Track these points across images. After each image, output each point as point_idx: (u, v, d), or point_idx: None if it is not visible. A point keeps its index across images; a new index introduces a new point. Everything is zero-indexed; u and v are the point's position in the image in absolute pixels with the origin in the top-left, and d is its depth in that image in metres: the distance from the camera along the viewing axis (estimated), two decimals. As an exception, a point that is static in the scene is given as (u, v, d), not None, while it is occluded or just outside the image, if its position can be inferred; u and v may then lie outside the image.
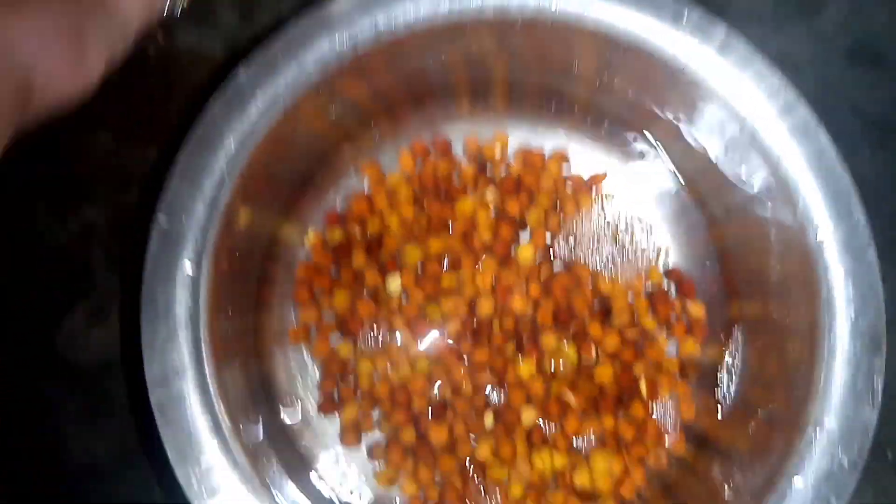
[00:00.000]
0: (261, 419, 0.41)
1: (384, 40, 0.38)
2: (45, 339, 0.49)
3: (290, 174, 0.45)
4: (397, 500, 0.45)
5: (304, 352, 0.47)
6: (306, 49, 0.38)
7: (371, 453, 0.45)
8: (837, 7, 0.52)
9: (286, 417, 0.45)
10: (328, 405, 0.46)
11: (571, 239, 0.47)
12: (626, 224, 0.48)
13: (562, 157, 0.48)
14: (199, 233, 0.36)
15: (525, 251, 0.47)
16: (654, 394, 0.45)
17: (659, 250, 0.48)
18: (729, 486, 0.39)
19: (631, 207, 0.48)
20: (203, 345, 0.35)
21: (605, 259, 0.47)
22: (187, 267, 0.36)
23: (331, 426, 0.46)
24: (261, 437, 0.40)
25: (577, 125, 0.49)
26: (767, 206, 0.40)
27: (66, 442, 0.48)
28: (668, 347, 0.47)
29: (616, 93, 0.44)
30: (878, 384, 0.36)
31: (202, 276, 0.36)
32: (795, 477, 0.35)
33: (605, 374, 0.45)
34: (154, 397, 0.35)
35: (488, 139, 0.49)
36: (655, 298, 0.47)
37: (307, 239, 0.47)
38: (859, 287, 0.37)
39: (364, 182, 0.48)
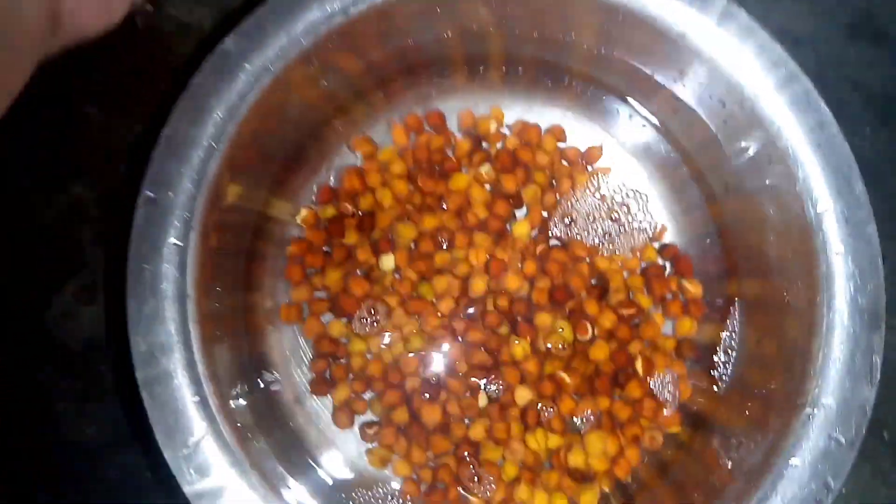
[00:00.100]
0: (252, 400, 0.41)
1: (375, 9, 0.37)
2: (35, 318, 0.48)
3: (282, 148, 0.44)
4: (391, 481, 0.45)
5: (296, 331, 0.46)
6: (296, 17, 0.37)
7: (363, 434, 0.45)
8: (838, -19, 0.51)
9: (277, 398, 0.44)
10: (320, 385, 0.45)
11: (567, 216, 0.47)
12: (623, 200, 0.47)
13: (559, 132, 0.48)
14: (186, 207, 0.35)
15: (520, 228, 0.46)
16: (650, 373, 0.45)
17: (656, 227, 0.47)
18: (725, 465, 0.39)
19: (628, 183, 0.47)
20: (191, 322, 0.35)
21: (601, 236, 0.47)
22: (174, 241, 0.35)
23: (323, 407, 0.46)
24: (251, 417, 0.39)
25: (575, 99, 0.48)
26: (766, 180, 0.39)
27: (58, 422, 0.47)
28: (665, 326, 0.46)
29: (614, 65, 0.43)
30: (877, 362, 0.35)
31: (189, 252, 0.35)
32: (793, 457, 0.35)
33: (600, 352, 0.44)
34: (140, 375, 0.34)
35: (484, 113, 0.48)
36: (651, 276, 0.46)
37: (299, 215, 0.46)
38: (859, 263, 0.36)
39: (357, 157, 0.48)
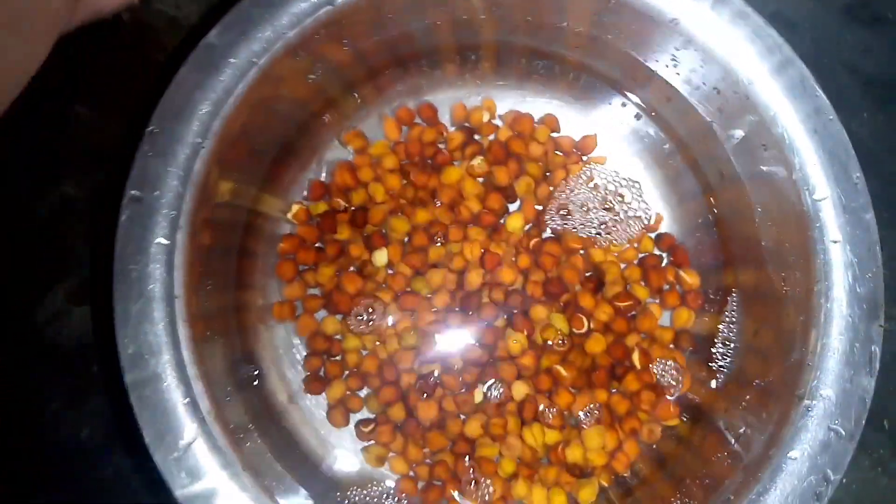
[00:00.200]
0: (245, 399, 0.40)
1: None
2: (27, 319, 0.48)
3: (271, 144, 0.44)
4: (387, 479, 0.44)
5: (289, 329, 0.46)
6: (281, 9, 0.36)
7: (359, 432, 0.44)
8: (834, -37, 0.50)
9: (271, 397, 0.44)
10: (314, 384, 0.45)
11: (562, 207, 0.46)
12: (618, 190, 0.46)
13: (552, 122, 0.47)
14: (172, 204, 0.35)
15: (514, 221, 0.46)
16: (647, 366, 0.44)
17: (651, 216, 0.46)
18: (731, 448, 0.39)
19: (623, 173, 0.47)
20: (180, 322, 0.34)
21: (596, 227, 0.46)
22: (160, 241, 0.34)
23: (318, 405, 0.45)
24: (245, 417, 0.39)
25: (567, 88, 0.47)
26: (762, 168, 0.39)
27: (51, 423, 0.47)
28: (662, 318, 0.46)
29: (607, 53, 0.43)
30: (877, 352, 0.35)
31: (177, 251, 0.35)
32: (792, 449, 0.34)
33: (596, 345, 0.44)
34: (129, 377, 0.33)
35: (476, 105, 0.47)
36: (648, 267, 0.46)
37: (290, 212, 0.46)
38: (857, 251, 0.36)
39: (348, 152, 0.47)
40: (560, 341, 0.44)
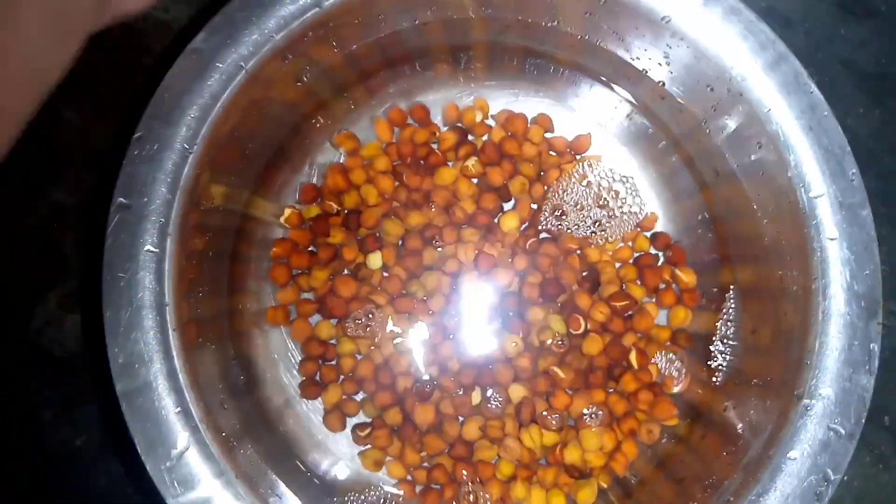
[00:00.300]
0: (239, 406, 0.40)
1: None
2: (20, 327, 0.47)
3: (262, 147, 0.43)
4: (385, 484, 0.44)
5: (284, 333, 0.45)
6: (267, 12, 0.36)
7: (356, 436, 0.44)
8: (828, -43, 0.50)
9: (266, 403, 0.43)
10: (310, 389, 0.44)
11: (557, 208, 0.46)
12: (613, 189, 0.46)
13: (545, 122, 0.47)
14: (160, 211, 0.34)
15: (509, 221, 0.45)
16: (645, 365, 0.44)
17: (647, 216, 0.46)
18: (723, 457, 0.38)
19: (617, 172, 0.46)
20: (171, 329, 0.34)
21: (592, 227, 0.46)
22: (149, 248, 0.34)
23: (314, 410, 0.45)
24: (239, 424, 0.39)
25: (561, 88, 0.47)
26: (758, 164, 0.38)
27: (44, 431, 0.47)
28: (659, 317, 0.45)
29: (599, 51, 0.42)
30: (875, 350, 0.34)
31: (166, 258, 0.34)
32: (791, 449, 0.34)
33: (594, 346, 0.44)
34: (119, 386, 0.33)
35: (468, 106, 0.47)
36: (644, 266, 0.45)
37: (282, 216, 0.45)
38: (854, 248, 0.36)
39: (340, 154, 0.46)
40: (560, 342, 0.44)
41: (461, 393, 0.44)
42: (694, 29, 0.37)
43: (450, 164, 0.46)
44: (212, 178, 0.38)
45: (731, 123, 0.39)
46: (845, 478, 0.35)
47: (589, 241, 0.46)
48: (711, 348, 0.43)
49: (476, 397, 0.44)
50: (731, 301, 0.43)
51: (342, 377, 0.45)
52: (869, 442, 0.46)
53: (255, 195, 0.44)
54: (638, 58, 0.42)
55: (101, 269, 0.35)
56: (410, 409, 0.43)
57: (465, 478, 0.42)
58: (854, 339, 0.35)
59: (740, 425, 0.39)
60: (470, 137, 0.47)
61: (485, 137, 0.47)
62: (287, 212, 0.45)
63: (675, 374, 0.44)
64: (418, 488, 0.44)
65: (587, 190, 0.46)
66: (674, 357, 0.44)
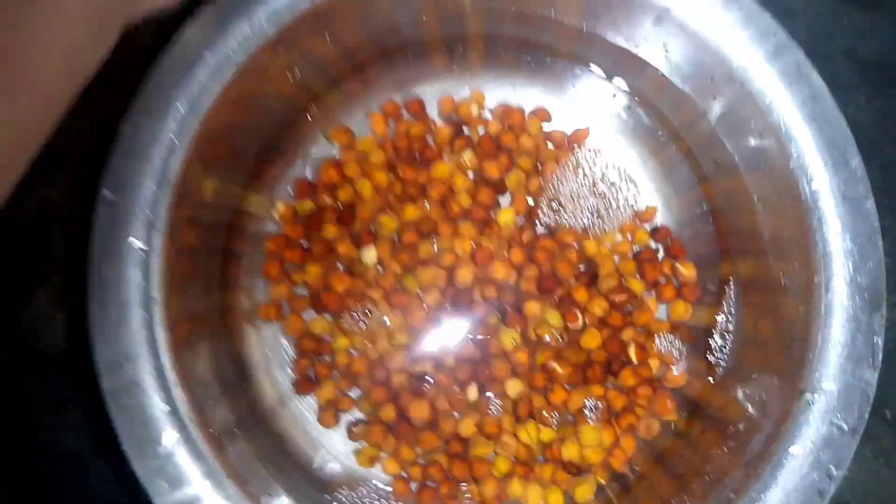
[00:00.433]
0: (231, 403, 0.39)
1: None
2: (10, 324, 0.46)
3: (254, 141, 0.42)
4: (379, 481, 0.43)
5: (277, 330, 0.45)
6: (258, 3, 0.35)
7: (350, 433, 0.43)
8: (830, -55, 0.49)
9: (259, 400, 0.43)
10: (304, 385, 0.44)
11: (554, 200, 0.45)
12: (612, 182, 0.45)
13: (543, 114, 0.46)
14: (148, 205, 0.34)
15: (506, 215, 0.45)
16: (644, 360, 0.43)
17: (646, 209, 0.45)
18: (723, 453, 0.38)
19: (616, 165, 0.46)
20: (158, 327, 0.33)
21: (590, 220, 0.45)
22: (136, 244, 0.33)
23: (308, 407, 0.44)
24: (231, 422, 0.38)
25: (558, 80, 0.46)
26: (759, 155, 0.38)
27: (35, 430, 0.46)
28: (658, 311, 0.45)
29: (597, 42, 0.42)
30: (879, 344, 0.34)
31: (153, 253, 0.33)
32: (793, 445, 0.33)
33: (592, 341, 0.43)
34: (106, 384, 0.32)
35: (464, 98, 0.46)
36: (643, 260, 0.45)
37: (275, 210, 0.45)
38: (857, 240, 0.35)
39: (334, 148, 0.46)
40: (559, 337, 0.43)
41: (457, 389, 0.43)
42: (694, 18, 0.36)
43: (445, 157, 0.46)
44: (202, 173, 0.37)
45: (732, 114, 0.38)
46: (846, 473, 0.34)
47: (587, 234, 0.45)
48: (711, 342, 0.43)
49: (472, 393, 0.43)
50: (732, 295, 0.43)
51: (336, 373, 0.44)
52: (870, 436, 0.46)
53: (247, 190, 0.43)
54: (636, 49, 0.41)
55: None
56: (405, 405, 0.43)
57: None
58: (857, 333, 0.34)
59: (745, 415, 0.38)
60: (466, 130, 0.46)
61: (481, 130, 0.46)
62: (280, 206, 0.45)
63: (676, 355, 0.43)
64: (413, 485, 0.43)
65: (587, 186, 0.45)
66: (674, 338, 0.43)
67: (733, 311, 0.42)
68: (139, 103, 0.34)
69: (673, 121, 0.44)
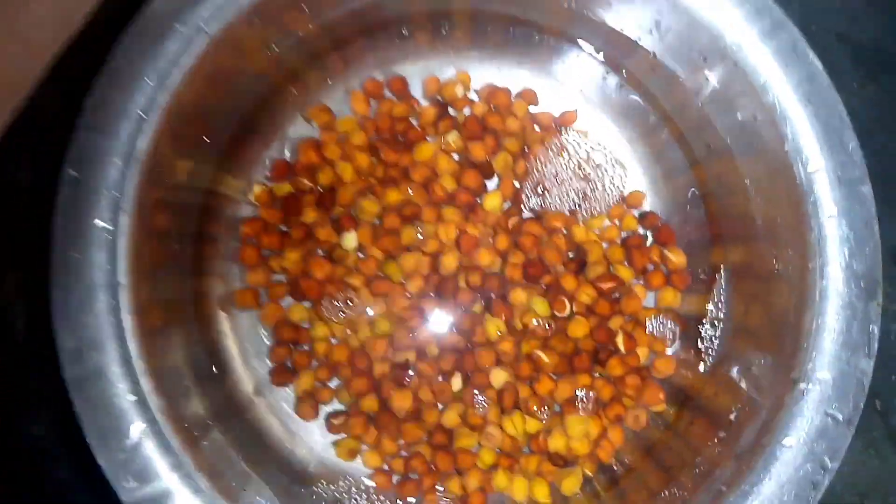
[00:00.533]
0: (205, 394, 0.37)
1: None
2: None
3: (229, 119, 0.41)
4: (360, 474, 0.42)
5: (254, 317, 0.43)
6: (230, -29, 0.33)
7: (330, 425, 0.42)
8: (823, -75, 0.48)
9: (235, 391, 0.41)
10: (281, 375, 0.42)
11: (540, 184, 0.44)
12: (600, 166, 0.44)
13: (530, 96, 0.45)
14: (114, 184, 0.32)
15: (491, 200, 0.43)
16: (632, 349, 0.42)
17: (634, 193, 0.44)
18: (714, 444, 0.37)
19: (605, 148, 0.44)
20: (125, 313, 0.31)
21: (577, 206, 0.44)
22: (101, 225, 0.31)
23: (285, 398, 0.43)
24: (205, 413, 0.36)
25: (546, 59, 0.45)
26: (752, 139, 0.36)
27: (1, 422, 0.44)
28: (647, 299, 0.44)
29: (586, 21, 0.40)
30: (875, 332, 0.33)
31: (120, 235, 0.32)
32: (786, 436, 0.32)
33: (579, 329, 0.42)
34: (69, 373, 0.31)
35: (449, 77, 0.45)
36: (631, 247, 0.43)
37: (252, 193, 0.43)
38: (853, 225, 0.34)
39: (313, 128, 0.44)
40: (546, 325, 0.42)
41: (441, 379, 0.42)
42: (686, -6, 0.35)
43: (429, 139, 0.44)
44: (173, 152, 0.35)
45: (725, 95, 0.37)
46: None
47: (574, 219, 0.44)
48: (701, 331, 0.42)
49: (456, 383, 0.42)
50: (722, 282, 0.42)
51: (315, 363, 0.43)
52: (861, 426, 0.45)
53: (221, 171, 0.41)
54: (627, 27, 0.40)
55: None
56: (387, 395, 0.41)
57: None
58: (853, 321, 0.33)
59: (739, 398, 0.37)
60: (451, 111, 0.45)
61: (466, 111, 0.45)
62: (257, 189, 0.43)
63: (668, 335, 0.42)
64: (395, 478, 0.42)
65: (575, 170, 0.44)
66: (665, 319, 0.42)
67: (724, 299, 0.41)
68: (105, 76, 0.32)
69: (664, 103, 0.43)
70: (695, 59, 0.38)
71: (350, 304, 0.42)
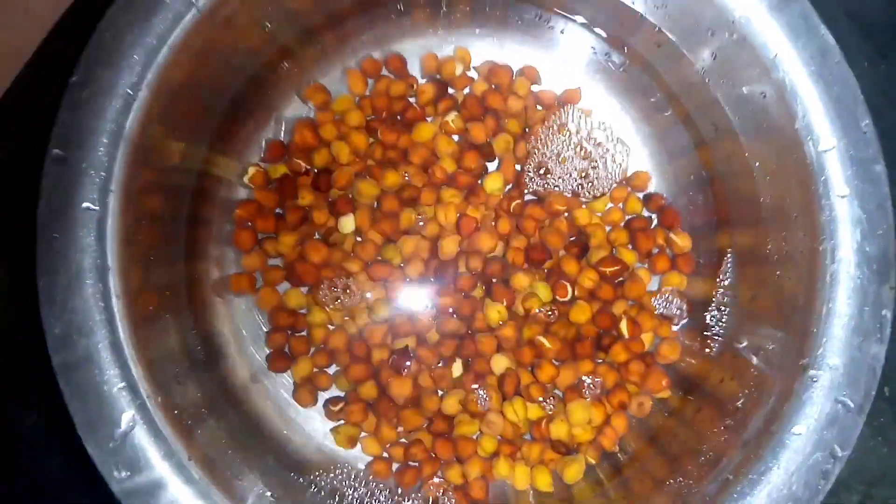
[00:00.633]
0: (199, 381, 0.37)
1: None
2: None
3: (222, 98, 0.40)
4: (358, 461, 0.41)
5: (249, 303, 0.42)
6: (220, -57, 0.32)
7: (328, 412, 0.41)
8: None
9: (231, 377, 0.40)
10: (278, 361, 0.41)
11: (542, 166, 0.42)
12: (603, 146, 0.43)
13: (532, 74, 0.43)
14: (101, 164, 0.31)
15: (493, 181, 0.42)
16: (636, 335, 0.41)
17: (639, 175, 0.43)
18: (720, 432, 0.36)
19: (609, 128, 0.43)
20: (114, 298, 0.30)
21: (580, 188, 0.43)
22: (87, 206, 0.30)
23: (283, 384, 0.42)
24: (199, 401, 0.35)
25: (548, 36, 0.43)
26: (762, 117, 0.35)
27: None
28: (651, 283, 0.43)
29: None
30: (888, 317, 0.32)
31: (109, 217, 0.31)
32: (796, 424, 0.31)
33: (582, 314, 0.41)
34: (57, 360, 0.30)
35: (448, 55, 0.44)
36: (635, 230, 0.42)
37: (246, 174, 0.42)
38: (866, 206, 0.33)
39: (309, 108, 0.43)
40: (549, 312, 0.41)
41: (441, 365, 0.41)
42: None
43: (429, 119, 0.43)
44: (163, 131, 0.34)
45: (733, 71, 0.36)
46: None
47: (577, 200, 0.43)
48: (707, 316, 0.41)
49: (456, 369, 0.41)
50: (729, 266, 0.41)
51: (313, 349, 0.42)
52: (869, 413, 0.44)
53: (214, 152, 0.40)
54: (632, 2, 0.39)
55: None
56: (386, 382, 0.41)
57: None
58: (865, 305, 0.32)
59: (749, 375, 0.36)
60: (450, 90, 0.44)
61: (466, 90, 0.44)
62: (251, 171, 0.42)
63: (675, 311, 0.42)
64: (395, 466, 0.41)
65: (578, 151, 0.42)
66: (671, 296, 0.41)
67: (730, 284, 0.41)
68: (91, 53, 0.31)
69: (669, 81, 0.42)
70: (702, 34, 0.37)
71: (348, 289, 0.41)
